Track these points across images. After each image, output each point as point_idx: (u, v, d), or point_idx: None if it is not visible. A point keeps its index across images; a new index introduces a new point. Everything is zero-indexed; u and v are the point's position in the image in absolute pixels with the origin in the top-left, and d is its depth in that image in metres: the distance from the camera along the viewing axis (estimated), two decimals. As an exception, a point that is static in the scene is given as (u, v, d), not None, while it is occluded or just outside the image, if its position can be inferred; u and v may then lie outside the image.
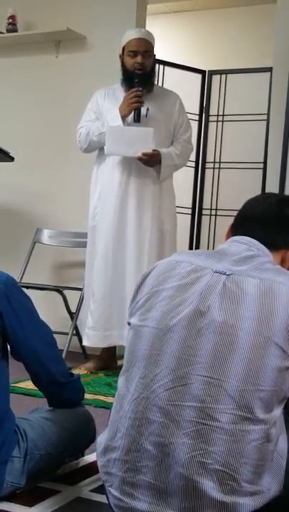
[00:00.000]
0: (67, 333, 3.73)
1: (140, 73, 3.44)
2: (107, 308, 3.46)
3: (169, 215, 3.57)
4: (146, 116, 3.46)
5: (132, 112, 3.42)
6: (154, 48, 3.53)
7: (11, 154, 3.86)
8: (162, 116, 3.52)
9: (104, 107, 3.55)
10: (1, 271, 1.75)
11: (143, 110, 3.44)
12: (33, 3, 4.54)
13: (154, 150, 3.38)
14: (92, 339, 3.52)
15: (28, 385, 2.90)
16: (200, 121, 4.88)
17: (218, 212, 4.87)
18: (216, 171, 4.90)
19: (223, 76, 4.85)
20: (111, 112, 3.47)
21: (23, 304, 1.77)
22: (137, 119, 3.41)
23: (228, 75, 4.84)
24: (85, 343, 3.61)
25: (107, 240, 3.48)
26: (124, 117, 3.42)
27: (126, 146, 3.38)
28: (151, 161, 3.39)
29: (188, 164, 4.73)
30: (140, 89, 3.40)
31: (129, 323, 1.56)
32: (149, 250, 3.45)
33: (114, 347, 3.66)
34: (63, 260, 4.40)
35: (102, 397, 2.99)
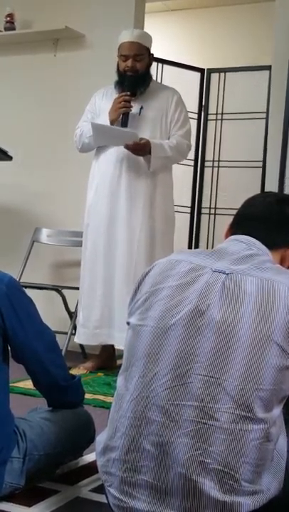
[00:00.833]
0: (66, 333, 3.73)
1: (131, 76, 3.44)
2: (97, 307, 3.47)
3: (161, 214, 3.51)
4: (139, 115, 3.46)
5: (120, 117, 3.41)
6: (148, 49, 3.51)
7: (9, 153, 3.86)
8: (157, 114, 3.50)
9: (101, 107, 3.55)
10: (3, 272, 1.75)
11: (134, 110, 3.44)
12: (31, 1, 4.54)
13: (142, 139, 3.36)
14: (81, 336, 3.55)
15: (27, 384, 2.89)
16: (199, 119, 4.88)
17: (218, 211, 4.87)
18: (215, 169, 4.89)
19: (222, 74, 4.84)
20: (104, 113, 3.49)
21: (25, 306, 1.76)
22: (124, 124, 3.40)
23: (227, 74, 4.84)
24: (76, 340, 3.63)
25: (98, 237, 3.49)
26: (112, 122, 3.42)
27: (112, 141, 3.39)
28: (140, 149, 3.36)
29: (187, 163, 4.73)
30: (128, 93, 3.40)
31: (128, 323, 1.56)
32: (138, 250, 3.43)
33: (113, 346, 3.65)
34: (62, 259, 4.40)
35: (101, 397, 2.98)
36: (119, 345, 3.41)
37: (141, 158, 3.41)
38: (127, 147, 3.35)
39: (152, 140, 3.40)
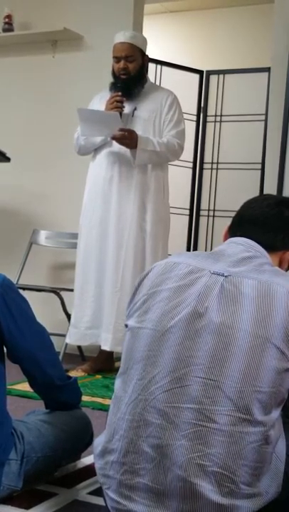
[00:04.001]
0: (64, 335, 3.72)
1: (124, 78, 3.45)
2: (88, 308, 3.48)
3: (153, 216, 3.47)
4: (132, 116, 3.45)
5: None
6: (142, 50, 3.50)
7: (7, 155, 3.86)
8: (150, 115, 3.50)
9: (98, 109, 3.54)
10: None
11: (128, 111, 3.44)
12: (29, 2, 4.54)
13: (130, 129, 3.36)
14: (72, 337, 3.56)
15: (25, 386, 2.88)
16: (198, 121, 4.88)
17: (216, 213, 4.87)
18: (214, 171, 4.89)
19: (221, 76, 4.84)
20: None
21: (20, 306, 1.75)
22: None
23: (226, 75, 4.83)
24: (67, 340, 3.63)
25: (90, 239, 3.50)
26: None
27: (98, 128, 3.38)
28: (127, 138, 3.33)
29: (185, 165, 4.73)
30: (120, 94, 3.40)
31: (126, 325, 1.55)
32: (125, 252, 3.42)
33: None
34: (60, 261, 4.39)
35: (99, 399, 2.98)
36: (104, 346, 3.42)
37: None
38: (113, 138, 3.34)
39: (140, 134, 3.39)
